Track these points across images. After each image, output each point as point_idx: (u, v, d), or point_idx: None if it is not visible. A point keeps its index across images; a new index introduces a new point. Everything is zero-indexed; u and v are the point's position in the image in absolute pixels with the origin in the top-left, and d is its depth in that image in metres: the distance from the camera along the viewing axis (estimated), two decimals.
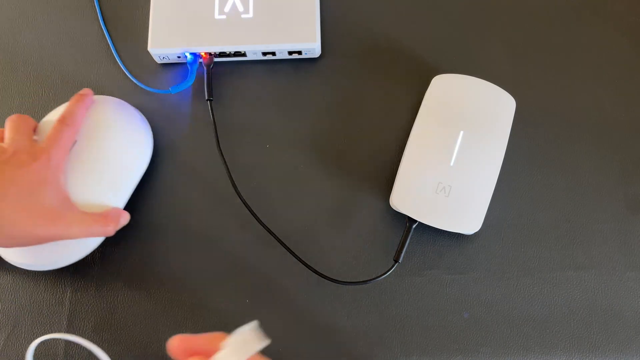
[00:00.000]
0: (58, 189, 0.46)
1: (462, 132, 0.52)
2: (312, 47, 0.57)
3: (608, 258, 0.54)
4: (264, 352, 0.38)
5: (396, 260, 0.51)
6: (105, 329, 0.52)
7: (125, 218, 0.51)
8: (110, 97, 0.56)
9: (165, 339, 0.52)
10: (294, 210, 0.55)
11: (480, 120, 0.53)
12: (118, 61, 0.59)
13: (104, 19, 0.61)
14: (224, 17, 0.57)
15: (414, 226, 0.52)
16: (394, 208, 0.53)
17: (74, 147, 0.49)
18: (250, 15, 0.57)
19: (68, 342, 0.52)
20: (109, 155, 0.51)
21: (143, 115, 0.56)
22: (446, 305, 0.53)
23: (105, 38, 0.60)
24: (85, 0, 0.62)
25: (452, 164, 0.51)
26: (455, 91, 0.54)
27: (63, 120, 0.49)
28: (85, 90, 0.52)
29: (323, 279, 0.51)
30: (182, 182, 0.56)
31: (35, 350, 0.51)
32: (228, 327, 0.52)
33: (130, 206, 0.53)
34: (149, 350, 0.51)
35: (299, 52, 0.58)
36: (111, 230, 0.49)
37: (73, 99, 0.51)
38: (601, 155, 0.56)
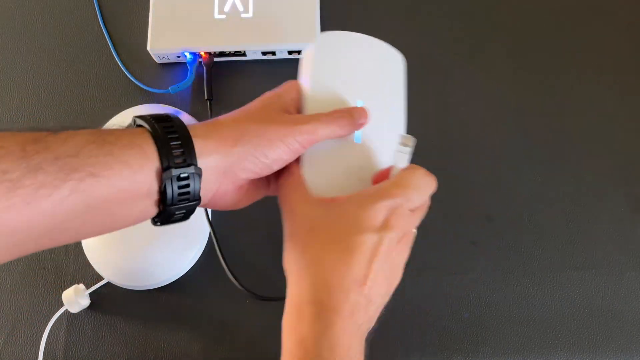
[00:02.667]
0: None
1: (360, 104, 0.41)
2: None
3: (608, 258, 0.54)
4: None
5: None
6: (104, 327, 0.52)
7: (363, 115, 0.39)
8: None
9: (164, 345, 0.51)
10: None
11: (374, 86, 0.42)
12: (117, 61, 0.59)
13: (103, 19, 0.61)
14: (223, 16, 0.57)
15: None
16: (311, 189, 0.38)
17: None
18: (250, 14, 0.57)
19: (67, 340, 0.52)
20: None
21: None
22: (446, 305, 0.53)
23: (105, 38, 0.60)
24: (85, 0, 0.62)
25: (359, 140, 0.40)
26: (344, 53, 0.43)
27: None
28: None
29: None
30: None
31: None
32: (227, 327, 0.52)
33: None
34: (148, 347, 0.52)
35: (299, 52, 0.58)
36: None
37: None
38: (602, 156, 0.56)
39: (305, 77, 0.41)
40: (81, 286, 0.52)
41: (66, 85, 0.59)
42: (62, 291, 0.51)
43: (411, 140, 0.38)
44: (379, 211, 0.34)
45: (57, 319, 0.51)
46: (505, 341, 0.52)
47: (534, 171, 0.56)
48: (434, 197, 0.56)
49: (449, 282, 0.53)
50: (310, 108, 0.40)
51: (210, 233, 0.54)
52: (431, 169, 0.56)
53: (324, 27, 0.60)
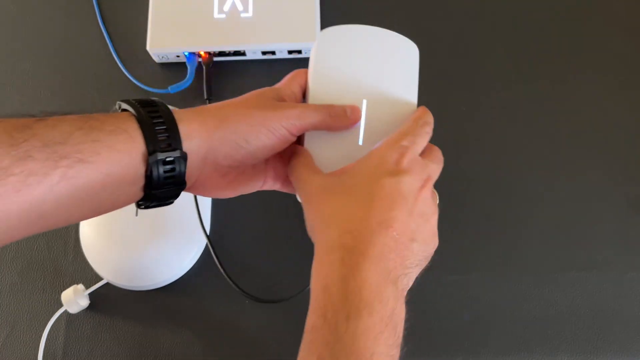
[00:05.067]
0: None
1: (365, 102, 0.40)
2: (311, 46, 0.57)
3: (609, 258, 0.53)
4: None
5: None
6: (104, 328, 0.52)
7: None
8: None
9: (163, 345, 0.51)
10: (294, 209, 0.55)
11: (383, 79, 0.40)
12: (117, 61, 0.59)
13: (103, 19, 0.61)
14: (223, 16, 0.57)
15: None
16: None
17: None
18: (250, 14, 0.57)
19: (66, 341, 0.52)
20: None
21: None
22: (446, 306, 0.52)
23: (105, 38, 0.60)
24: (84, 0, 0.62)
25: (361, 142, 0.39)
26: (349, 46, 0.41)
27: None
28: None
29: None
30: None
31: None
32: (227, 327, 0.52)
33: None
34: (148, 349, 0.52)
35: (299, 51, 0.58)
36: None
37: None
38: (603, 156, 0.56)
39: (309, 71, 0.40)
40: (80, 286, 0.52)
41: (65, 85, 0.59)
42: (61, 291, 0.51)
43: None
44: (389, 156, 0.34)
45: (56, 320, 0.51)
46: (506, 342, 0.51)
47: (534, 171, 0.56)
48: None
49: (449, 282, 0.53)
50: (310, 101, 0.39)
51: (208, 236, 0.54)
52: None
53: (324, 26, 0.59)
